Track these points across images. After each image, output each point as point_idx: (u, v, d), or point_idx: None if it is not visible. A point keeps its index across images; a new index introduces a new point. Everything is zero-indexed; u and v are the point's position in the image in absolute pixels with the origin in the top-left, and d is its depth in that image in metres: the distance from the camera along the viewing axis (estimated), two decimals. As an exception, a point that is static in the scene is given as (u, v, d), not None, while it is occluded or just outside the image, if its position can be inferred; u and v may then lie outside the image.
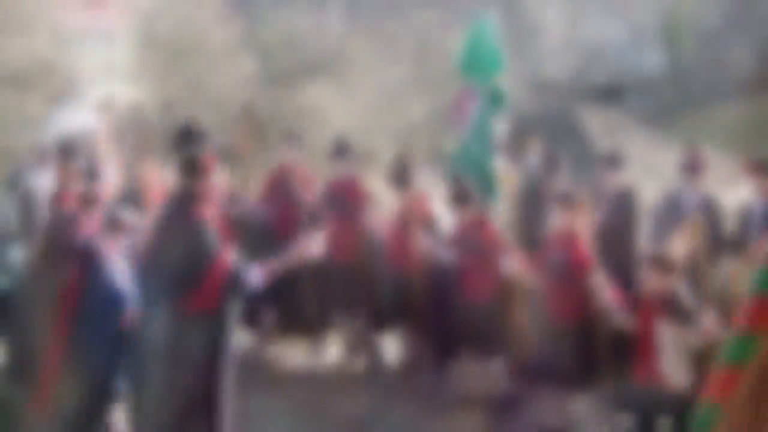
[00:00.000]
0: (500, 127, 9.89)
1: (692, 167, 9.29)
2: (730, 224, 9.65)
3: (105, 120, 11.01)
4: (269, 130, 17.00)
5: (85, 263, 6.11)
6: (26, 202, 10.42)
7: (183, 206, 5.90)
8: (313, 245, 6.22)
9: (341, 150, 9.48)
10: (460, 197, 8.67)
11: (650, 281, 6.83)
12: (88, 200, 7.21)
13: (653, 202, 10.92)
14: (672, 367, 6.74)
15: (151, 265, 5.92)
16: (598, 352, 7.29)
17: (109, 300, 6.04)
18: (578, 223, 7.52)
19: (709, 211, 9.04)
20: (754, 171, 8.89)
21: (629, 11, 63.02)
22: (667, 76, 53.20)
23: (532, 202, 9.99)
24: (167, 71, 17.85)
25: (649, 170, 20.17)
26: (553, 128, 22.05)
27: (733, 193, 20.69)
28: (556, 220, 7.75)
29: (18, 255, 8.46)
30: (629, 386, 7.03)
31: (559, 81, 49.75)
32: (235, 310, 5.92)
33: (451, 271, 8.43)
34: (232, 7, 27.51)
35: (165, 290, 5.67)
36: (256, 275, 5.87)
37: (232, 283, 5.73)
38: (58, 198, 8.13)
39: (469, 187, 8.75)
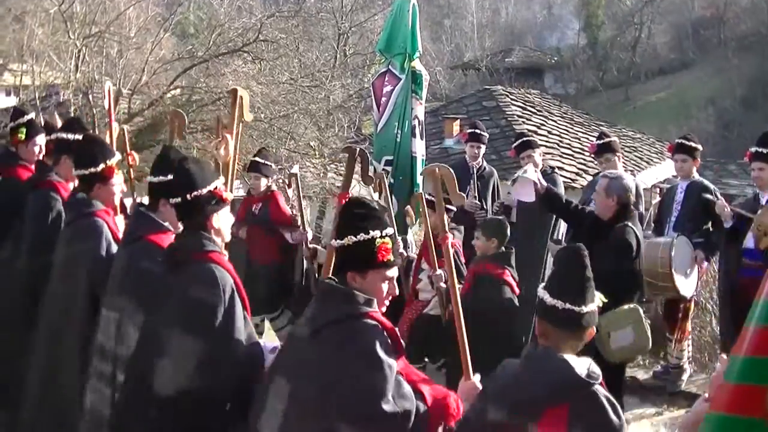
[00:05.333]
0: (419, 109, 9.92)
1: (609, 147, 9.44)
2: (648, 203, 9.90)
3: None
4: (187, 111, 16.88)
5: None
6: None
7: None
8: None
9: None
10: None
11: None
12: None
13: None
14: None
15: None
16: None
17: None
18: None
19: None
20: (675, 151, 9.09)
21: (548, -7, 63.58)
22: (585, 57, 53.94)
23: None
24: (84, 53, 17.52)
25: (568, 149, 20.43)
26: (473, 108, 22.16)
27: (652, 172, 21.13)
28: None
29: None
30: None
31: (479, 62, 50.16)
32: None
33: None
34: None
35: None
36: None
37: None
38: None
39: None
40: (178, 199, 4.64)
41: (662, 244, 8.30)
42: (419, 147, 9.82)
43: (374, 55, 22.37)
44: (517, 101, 22.78)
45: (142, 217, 5.30)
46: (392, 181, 9.55)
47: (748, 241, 7.90)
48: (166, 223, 5.20)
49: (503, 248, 7.82)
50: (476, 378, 4.36)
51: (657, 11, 54.28)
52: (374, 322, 3.95)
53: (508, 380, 3.73)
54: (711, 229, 8.72)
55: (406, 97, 9.65)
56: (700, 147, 9.07)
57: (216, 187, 4.68)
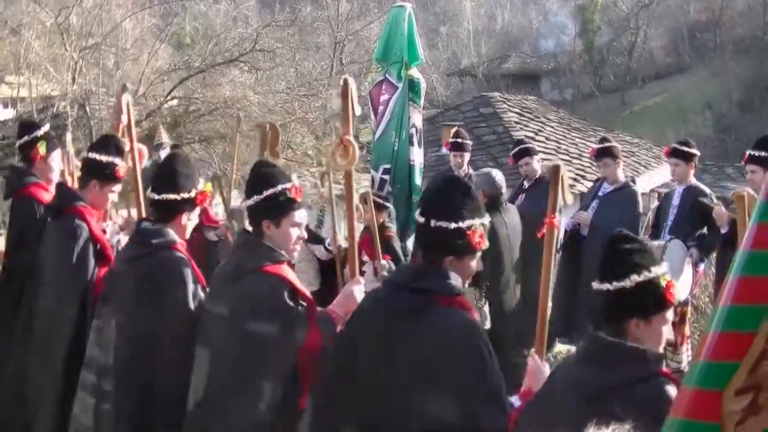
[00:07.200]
0: (417, 117, 9.93)
1: (608, 152, 9.45)
2: (645, 208, 9.93)
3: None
4: (185, 122, 16.90)
5: None
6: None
7: None
8: None
9: None
10: None
11: None
12: None
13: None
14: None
15: None
16: None
17: None
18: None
19: (626, 197, 9.26)
20: (669, 155, 9.10)
21: (543, -1, 63.62)
22: (581, 62, 53.99)
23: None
24: (80, 64, 17.54)
25: (566, 155, 20.43)
26: (470, 115, 22.17)
27: (649, 176, 21.13)
28: None
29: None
30: None
31: (475, 68, 50.23)
32: None
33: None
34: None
35: None
36: None
37: None
38: None
39: None
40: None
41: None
42: (417, 155, 9.84)
43: (370, 63, 22.43)
44: (514, 107, 22.79)
45: (255, 247, 4.50)
46: (390, 189, 9.57)
47: (741, 245, 7.90)
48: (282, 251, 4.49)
49: None
50: None
51: (653, 16, 54.29)
52: (670, 383, 3.36)
53: None
54: (706, 233, 8.72)
55: (404, 105, 9.67)
56: (695, 151, 9.02)
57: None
